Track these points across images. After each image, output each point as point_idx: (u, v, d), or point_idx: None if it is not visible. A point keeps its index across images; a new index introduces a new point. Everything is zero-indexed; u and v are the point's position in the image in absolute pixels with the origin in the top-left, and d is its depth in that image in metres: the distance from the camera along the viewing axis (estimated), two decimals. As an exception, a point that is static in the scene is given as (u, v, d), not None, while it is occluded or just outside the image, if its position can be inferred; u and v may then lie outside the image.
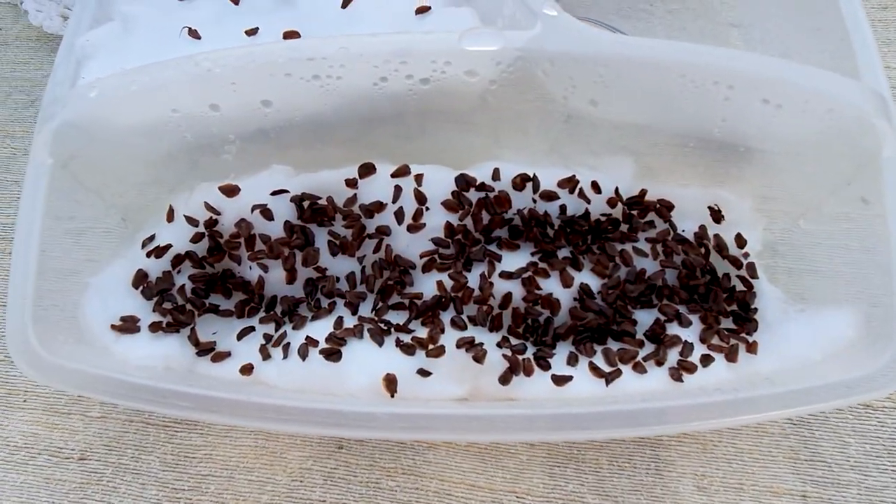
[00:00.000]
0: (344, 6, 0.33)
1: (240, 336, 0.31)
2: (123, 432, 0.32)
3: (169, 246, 0.32)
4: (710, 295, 0.31)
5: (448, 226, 0.31)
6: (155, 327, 0.31)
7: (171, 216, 0.33)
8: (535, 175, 0.31)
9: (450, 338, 0.29)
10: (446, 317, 0.30)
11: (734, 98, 0.27)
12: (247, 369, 0.29)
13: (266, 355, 0.30)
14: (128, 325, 0.31)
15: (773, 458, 0.30)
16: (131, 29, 0.34)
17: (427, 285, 0.31)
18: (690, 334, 0.29)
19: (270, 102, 0.29)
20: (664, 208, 0.32)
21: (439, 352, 0.28)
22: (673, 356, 0.29)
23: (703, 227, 0.32)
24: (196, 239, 0.32)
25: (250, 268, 0.32)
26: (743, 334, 0.30)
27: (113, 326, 0.30)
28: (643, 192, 0.32)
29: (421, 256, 0.31)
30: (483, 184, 0.31)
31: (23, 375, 0.34)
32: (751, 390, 0.25)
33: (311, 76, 0.28)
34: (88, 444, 0.32)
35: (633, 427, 0.25)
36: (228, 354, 0.30)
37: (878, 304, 0.26)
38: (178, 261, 0.32)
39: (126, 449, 0.32)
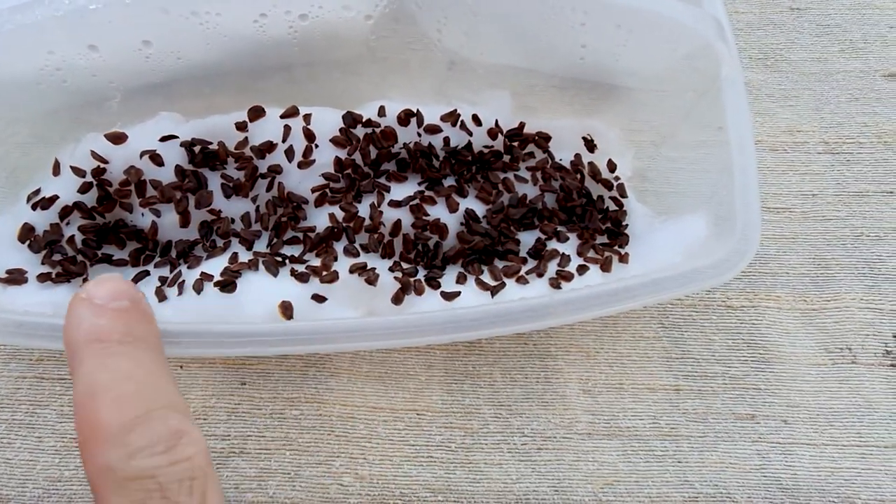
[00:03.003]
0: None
1: (134, 281, 0.31)
2: (15, 389, 0.31)
3: (55, 197, 0.32)
4: (586, 215, 0.34)
5: (337, 161, 0.32)
6: (43, 278, 0.30)
7: (56, 169, 0.32)
8: (418, 110, 0.33)
9: (343, 265, 0.30)
10: (339, 247, 0.31)
11: (589, 24, 0.30)
12: (142, 311, 0.29)
13: (162, 297, 0.30)
14: (14, 277, 0.30)
15: (649, 359, 0.33)
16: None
17: (320, 219, 0.32)
18: (568, 248, 0.32)
19: (150, 43, 0.30)
20: (542, 140, 0.35)
21: (332, 277, 0.29)
22: (552, 268, 0.31)
23: (578, 156, 0.35)
24: (84, 189, 0.32)
25: (142, 215, 0.32)
26: (616, 247, 0.33)
27: (-2, 279, 0.30)
28: (522, 125, 0.35)
29: (313, 191, 0.32)
30: (370, 120, 0.33)
31: None
32: (616, 283, 0.27)
33: (189, 12, 0.29)
34: (-22, 403, 0.31)
35: (516, 323, 0.27)
36: (124, 301, 0.30)
37: (723, 203, 0.29)
38: (65, 212, 0.32)
39: (19, 405, 0.31)
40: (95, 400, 0.16)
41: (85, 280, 0.31)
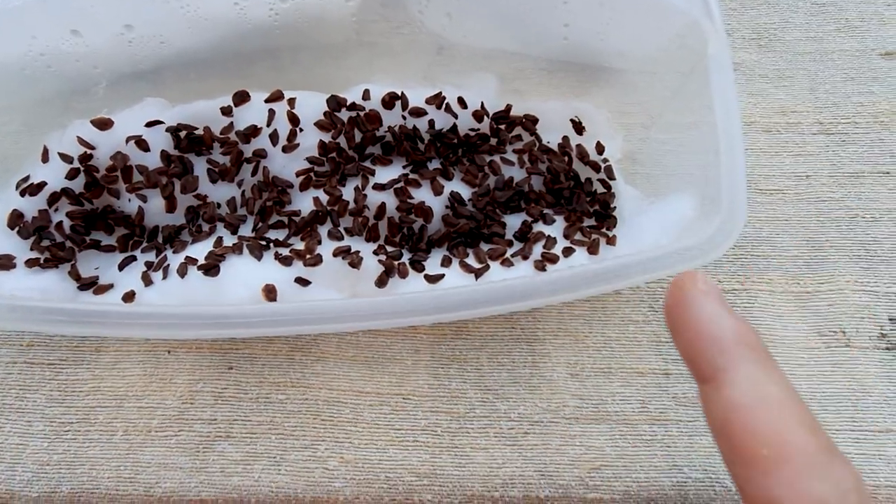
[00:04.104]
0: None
1: (121, 266, 0.31)
2: (6, 375, 0.32)
3: (43, 184, 0.32)
4: (573, 198, 0.33)
5: (322, 144, 0.32)
6: (32, 263, 0.30)
7: (45, 156, 0.32)
8: (403, 93, 0.33)
9: (327, 248, 0.30)
10: (324, 231, 0.31)
11: (572, 2, 0.29)
12: (129, 296, 0.30)
13: (148, 281, 0.30)
14: (2, 263, 0.30)
15: (637, 343, 0.32)
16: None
17: (304, 203, 0.32)
18: (554, 231, 0.32)
19: (132, 27, 0.30)
20: (529, 122, 0.34)
21: (316, 261, 0.29)
22: (538, 250, 0.31)
23: (566, 139, 0.34)
24: (71, 175, 0.32)
25: (129, 200, 0.32)
26: (603, 230, 0.32)
27: (-15, 264, 0.30)
28: (509, 108, 0.34)
29: (297, 175, 0.32)
30: (354, 103, 0.32)
31: None
32: (600, 263, 0.27)
33: (167, -5, 0.29)
34: (-32, 388, 0.31)
35: (500, 304, 0.26)
36: (111, 286, 0.30)
37: (710, 183, 0.29)
38: (54, 198, 0.32)
39: (9, 390, 0.31)
40: (774, 412, 0.14)
41: (73, 265, 0.31)
